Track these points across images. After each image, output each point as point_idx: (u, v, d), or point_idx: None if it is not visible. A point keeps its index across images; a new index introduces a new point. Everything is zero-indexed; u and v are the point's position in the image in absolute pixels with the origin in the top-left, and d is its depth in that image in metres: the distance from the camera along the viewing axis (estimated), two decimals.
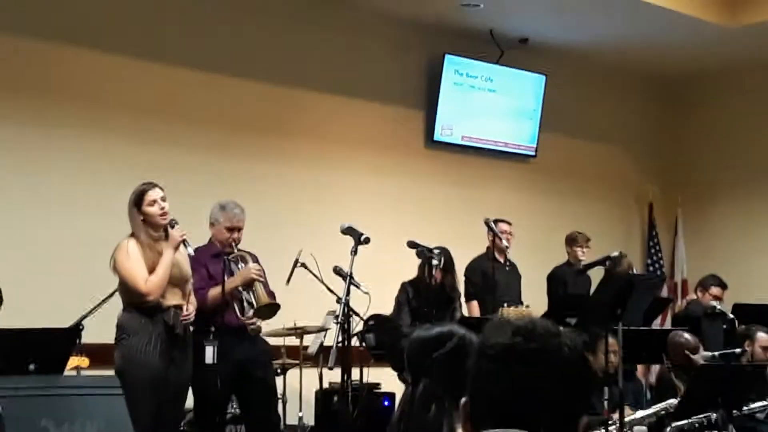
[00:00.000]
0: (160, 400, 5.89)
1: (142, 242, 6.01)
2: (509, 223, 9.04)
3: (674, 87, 12.39)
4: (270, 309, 6.74)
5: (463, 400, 1.88)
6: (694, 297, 9.71)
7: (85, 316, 6.35)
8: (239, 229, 6.84)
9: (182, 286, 6.17)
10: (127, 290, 6.00)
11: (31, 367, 5.19)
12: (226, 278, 6.61)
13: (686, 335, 7.47)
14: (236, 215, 6.84)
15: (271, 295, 6.80)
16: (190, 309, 6.17)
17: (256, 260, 6.96)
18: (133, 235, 6.05)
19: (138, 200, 6.06)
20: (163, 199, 6.10)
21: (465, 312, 8.52)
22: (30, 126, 7.96)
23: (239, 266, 6.83)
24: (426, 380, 3.07)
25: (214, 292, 6.62)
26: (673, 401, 6.64)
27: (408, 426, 3.02)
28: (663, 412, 6.64)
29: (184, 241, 6.13)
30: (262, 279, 6.69)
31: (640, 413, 6.78)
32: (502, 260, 8.99)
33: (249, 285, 6.69)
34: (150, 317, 5.98)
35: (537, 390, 1.79)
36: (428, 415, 3.00)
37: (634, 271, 8.99)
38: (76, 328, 6.20)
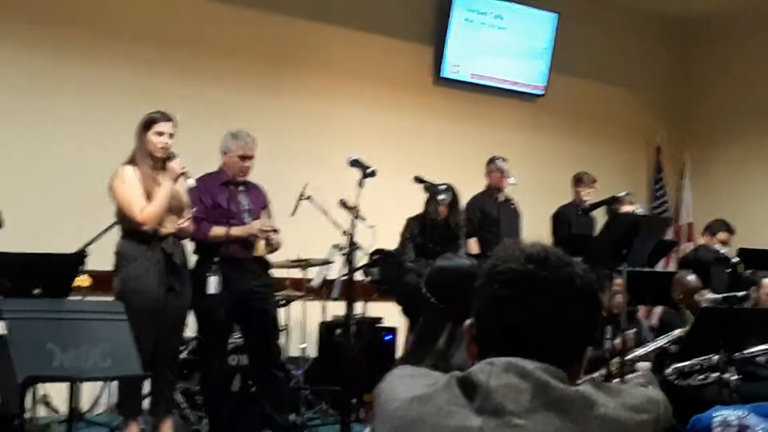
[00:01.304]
0: (158, 327, 5.92)
1: (141, 169, 6.01)
2: (506, 160, 8.97)
3: (686, 29, 12.30)
4: (258, 262, 6.74)
5: (468, 321, 1.88)
6: (702, 242, 9.71)
7: (90, 243, 6.36)
8: (251, 158, 6.83)
9: (180, 215, 6.18)
10: (124, 217, 6.01)
11: (36, 291, 5.20)
12: (232, 208, 6.61)
13: (691, 276, 7.48)
14: (248, 143, 6.83)
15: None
16: (182, 222, 6.16)
17: (263, 194, 6.94)
18: (131, 162, 6.04)
19: (147, 125, 6.05)
20: (171, 135, 6.09)
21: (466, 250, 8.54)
22: (41, 50, 7.94)
23: (248, 196, 6.82)
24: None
25: (219, 231, 6.61)
26: (678, 332, 6.66)
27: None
28: (667, 346, 6.66)
29: (183, 173, 6.11)
30: (263, 238, 6.67)
31: (643, 348, 6.81)
32: (501, 199, 8.97)
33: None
34: (148, 244, 5.99)
35: (546, 318, 1.79)
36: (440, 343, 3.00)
37: (639, 211, 8.96)
38: (81, 254, 6.21)
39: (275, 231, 6.69)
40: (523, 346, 1.76)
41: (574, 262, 1.86)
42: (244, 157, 6.80)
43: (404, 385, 1.84)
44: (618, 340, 6.56)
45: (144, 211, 5.94)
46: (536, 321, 1.79)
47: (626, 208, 8.69)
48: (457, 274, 3.17)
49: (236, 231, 6.59)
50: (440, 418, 1.74)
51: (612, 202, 8.19)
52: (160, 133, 6.05)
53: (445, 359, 2.97)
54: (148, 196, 5.97)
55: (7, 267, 5.27)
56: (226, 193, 6.66)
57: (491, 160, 8.78)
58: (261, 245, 6.66)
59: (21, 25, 7.88)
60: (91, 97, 8.10)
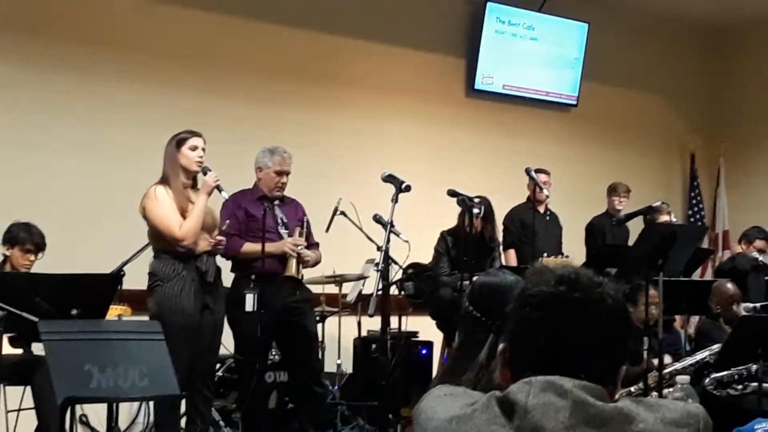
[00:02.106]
0: (195, 346, 5.94)
1: (174, 187, 6.03)
2: (548, 173, 8.98)
3: (718, 35, 12.23)
4: (290, 281, 6.74)
5: (501, 346, 1.89)
6: (739, 250, 9.63)
7: (126, 262, 6.39)
8: (287, 173, 6.86)
9: (212, 233, 6.20)
10: (160, 236, 6.01)
11: (74, 312, 5.23)
12: (268, 222, 6.63)
13: (729, 285, 7.42)
14: (285, 159, 6.86)
15: (299, 265, 6.79)
16: (218, 237, 6.19)
17: (300, 208, 6.97)
18: (161, 181, 6.05)
19: (180, 143, 6.08)
20: (204, 149, 6.12)
21: (503, 261, 8.51)
22: (75, 73, 7.99)
23: (284, 211, 6.84)
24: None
25: (250, 248, 6.63)
26: (717, 347, 6.61)
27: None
28: (706, 360, 6.61)
29: (218, 187, 6.13)
30: (294, 255, 6.68)
31: (682, 362, 6.77)
32: (541, 210, 8.96)
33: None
34: (184, 263, 6.00)
35: (579, 339, 1.79)
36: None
37: (675, 221, 8.91)
38: (118, 274, 6.24)
39: (304, 247, 6.71)
40: (558, 367, 1.76)
41: (604, 282, 1.86)
42: (281, 173, 6.83)
43: (443, 404, 1.84)
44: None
45: (182, 227, 5.96)
46: (570, 342, 1.79)
47: (663, 218, 8.65)
48: (500, 289, 3.17)
49: (268, 247, 6.60)
50: None
51: (648, 212, 8.14)
52: (194, 148, 6.08)
53: (486, 372, 2.96)
54: (182, 213, 5.99)
55: (45, 288, 5.29)
56: (261, 208, 6.67)
57: (527, 172, 8.75)
58: (292, 265, 6.66)
59: (57, 48, 7.94)
60: (123, 118, 8.14)
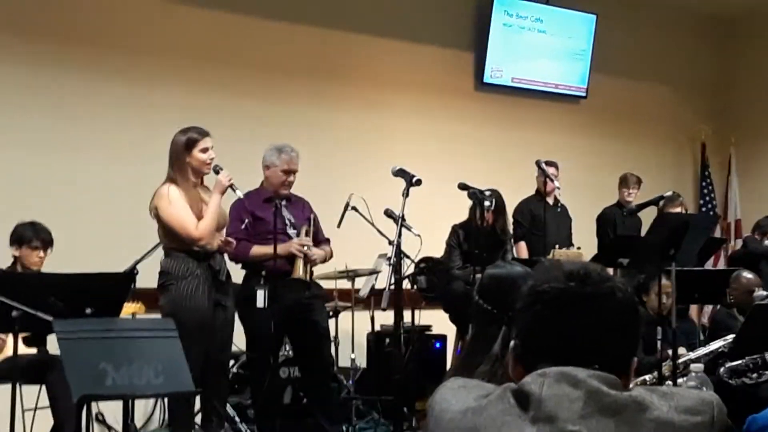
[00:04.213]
0: (209, 343, 5.96)
1: (184, 187, 6.02)
2: (557, 165, 8.97)
3: (727, 25, 12.21)
4: (298, 283, 6.73)
5: (512, 343, 1.90)
6: (750, 235, 9.59)
7: (139, 261, 6.41)
8: (294, 172, 6.85)
9: (222, 232, 6.22)
10: (173, 236, 6.00)
11: (88, 310, 5.24)
12: (277, 223, 6.63)
13: (748, 274, 7.40)
14: (292, 157, 6.85)
15: (310, 262, 6.79)
16: (227, 238, 6.21)
17: (307, 206, 6.97)
18: (170, 180, 6.03)
19: (191, 144, 6.07)
20: (212, 148, 6.12)
21: (515, 254, 8.51)
22: (78, 72, 8.02)
23: (291, 210, 6.85)
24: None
25: (260, 251, 6.65)
26: (731, 337, 6.60)
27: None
28: (721, 350, 6.60)
29: (231, 186, 6.13)
30: (301, 255, 6.68)
31: (696, 352, 6.76)
32: (551, 202, 8.96)
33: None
34: (197, 261, 6.01)
35: (591, 333, 1.81)
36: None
37: (687, 211, 8.90)
38: (132, 273, 6.25)
39: (309, 247, 6.70)
40: (570, 360, 1.77)
41: (613, 277, 1.88)
42: (288, 172, 6.83)
43: (458, 396, 1.85)
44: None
45: (199, 227, 5.96)
46: (582, 337, 1.81)
47: (675, 209, 8.63)
48: (509, 281, 3.18)
49: (270, 249, 6.59)
50: (495, 429, 1.75)
51: (658, 203, 8.13)
52: (205, 150, 6.06)
53: (501, 364, 2.97)
54: (194, 213, 6.00)
55: (59, 288, 5.30)
56: (269, 208, 6.66)
57: (537, 164, 8.75)
58: (299, 266, 6.65)
59: (60, 48, 7.96)
60: (131, 117, 8.16)
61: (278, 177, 6.83)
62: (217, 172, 6.12)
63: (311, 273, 6.84)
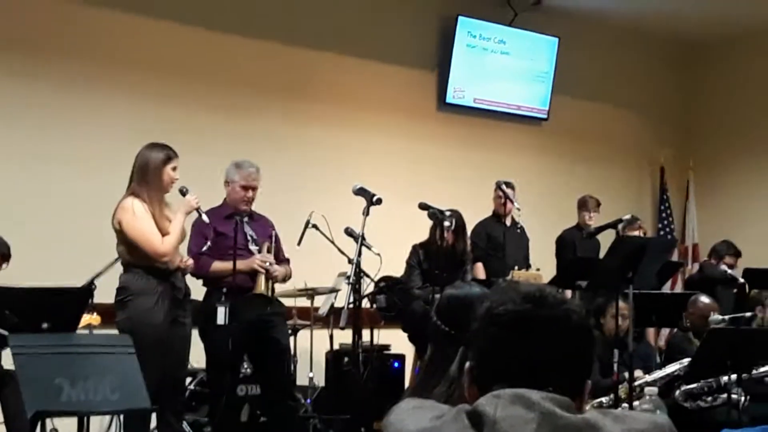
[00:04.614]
0: (165, 360, 5.92)
1: (151, 201, 5.98)
2: (513, 187, 8.98)
3: (688, 50, 12.33)
4: (260, 298, 6.72)
5: (468, 364, 1.91)
6: (707, 260, 9.68)
7: (97, 276, 6.37)
8: (254, 188, 6.84)
9: (179, 249, 6.21)
10: (135, 251, 5.96)
11: (45, 325, 5.21)
12: (238, 239, 6.61)
13: (705, 299, 7.46)
14: (251, 173, 6.84)
15: (271, 277, 6.77)
16: (186, 260, 6.18)
17: (269, 224, 6.96)
18: (134, 194, 5.99)
19: (167, 161, 6.05)
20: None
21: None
22: (44, 83, 7.97)
23: (253, 227, 6.84)
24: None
25: (221, 266, 6.62)
26: (686, 360, 6.65)
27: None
28: (677, 373, 6.65)
29: (198, 209, 6.14)
30: (262, 271, 6.66)
31: (652, 375, 6.80)
32: (509, 223, 8.99)
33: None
34: (157, 278, 5.98)
35: (546, 355, 1.82)
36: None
37: (646, 234, 8.96)
38: (89, 288, 6.21)
39: (271, 263, 6.68)
40: (525, 382, 1.78)
41: (569, 300, 1.91)
42: (247, 188, 6.81)
43: (412, 417, 1.86)
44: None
45: (164, 243, 5.94)
46: (537, 358, 1.82)
47: (634, 232, 8.69)
48: (467, 301, 3.19)
49: (238, 265, 6.58)
50: None
51: (616, 225, 8.18)
52: (175, 168, 6.06)
53: (458, 385, 2.97)
54: (159, 228, 5.97)
55: (15, 302, 5.28)
56: (231, 225, 6.65)
57: (496, 185, 8.80)
58: (261, 282, 6.65)
59: (30, 59, 7.92)
60: (95, 129, 8.12)
61: (237, 193, 6.82)
62: (183, 194, 6.12)
63: (273, 290, 6.83)
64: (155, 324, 5.88)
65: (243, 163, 6.88)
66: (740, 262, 9.47)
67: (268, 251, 6.80)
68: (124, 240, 5.99)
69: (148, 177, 6.01)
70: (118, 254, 6.10)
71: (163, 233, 5.97)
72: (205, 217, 6.22)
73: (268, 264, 6.67)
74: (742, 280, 8.79)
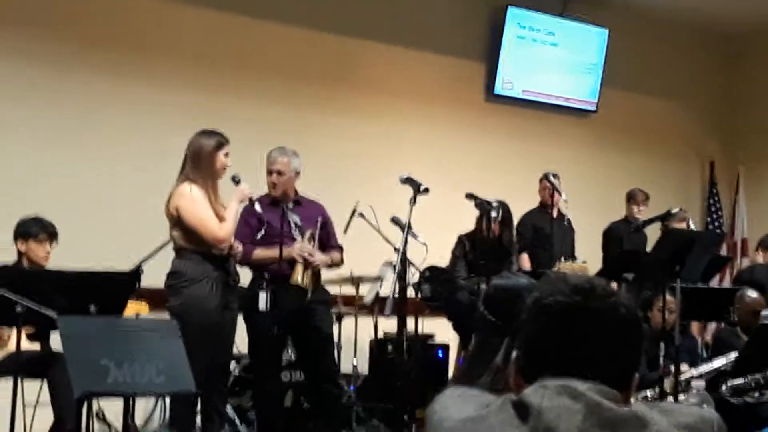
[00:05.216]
0: (215, 345, 5.96)
1: (207, 187, 6.01)
2: (558, 178, 8.91)
3: (739, 42, 12.20)
4: (296, 289, 6.68)
5: (515, 354, 1.90)
6: (758, 258, 9.54)
7: (145, 260, 6.41)
8: (277, 173, 6.75)
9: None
10: (192, 236, 5.97)
11: (92, 308, 5.25)
12: (284, 227, 6.61)
13: (753, 293, 7.39)
14: (273, 157, 6.79)
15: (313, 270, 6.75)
16: (237, 245, 6.21)
17: (319, 210, 6.92)
18: (189, 180, 6.00)
19: (220, 146, 6.08)
20: None
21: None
22: (95, 74, 8.03)
23: (299, 213, 6.80)
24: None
25: (263, 254, 6.62)
26: (733, 355, 6.60)
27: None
28: (723, 368, 6.60)
29: (251, 199, 6.18)
30: (301, 261, 6.63)
31: (699, 368, 6.76)
32: (555, 214, 8.95)
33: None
34: (213, 264, 6.00)
35: (594, 347, 1.81)
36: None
37: (693, 227, 8.87)
38: (137, 272, 6.26)
39: (310, 254, 6.63)
40: (572, 374, 1.77)
41: (617, 292, 1.89)
42: (270, 172, 6.78)
43: (457, 406, 1.86)
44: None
45: (223, 228, 5.97)
46: (584, 351, 1.81)
47: (679, 225, 8.62)
48: (514, 292, 3.18)
49: (273, 252, 6.57)
50: None
51: (665, 218, 8.12)
52: (227, 155, 6.09)
53: (502, 375, 2.97)
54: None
55: (63, 285, 5.33)
56: (274, 212, 6.64)
57: (543, 176, 8.75)
58: (298, 272, 6.58)
59: (76, 47, 7.99)
60: (140, 118, 8.18)
61: (267, 178, 6.81)
62: (237, 182, 6.15)
63: (317, 277, 6.80)
64: (209, 310, 5.91)
65: (274, 149, 6.87)
66: None
67: (312, 239, 6.75)
68: (182, 225, 5.99)
69: (201, 163, 6.03)
70: (172, 239, 6.11)
71: (219, 219, 5.99)
72: (258, 207, 6.25)
73: (306, 253, 6.62)
74: None
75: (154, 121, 8.19)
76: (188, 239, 6.00)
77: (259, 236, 6.59)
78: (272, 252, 6.55)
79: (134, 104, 8.17)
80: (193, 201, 5.94)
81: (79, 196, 7.77)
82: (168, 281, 6.03)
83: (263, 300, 6.47)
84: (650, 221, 8.45)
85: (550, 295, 1.85)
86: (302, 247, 6.64)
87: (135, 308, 6.35)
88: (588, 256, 8.69)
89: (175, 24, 8.46)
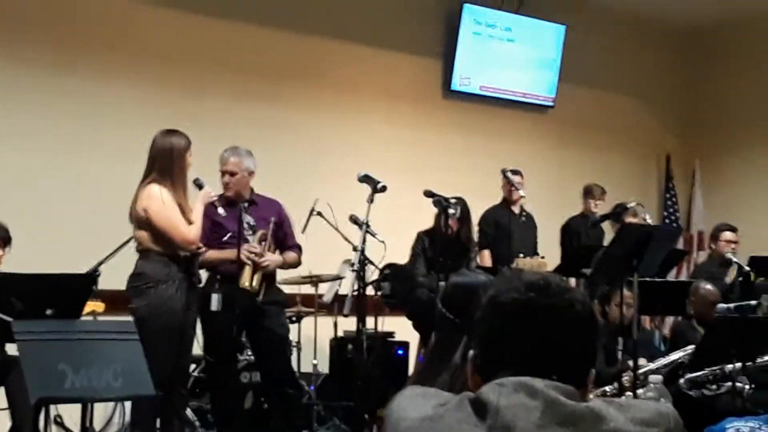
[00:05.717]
0: (179, 346, 5.93)
1: (177, 188, 5.95)
2: (521, 174, 8.96)
3: (695, 37, 12.29)
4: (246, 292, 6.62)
5: (471, 352, 1.90)
6: (713, 249, 9.55)
7: (102, 262, 6.35)
8: (229, 173, 6.70)
9: None
10: (161, 238, 5.92)
11: (49, 311, 5.20)
12: (232, 229, 6.56)
13: (707, 285, 7.45)
14: (222, 157, 6.76)
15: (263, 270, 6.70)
16: (202, 247, 6.17)
17: (275, 210, 6.87)
18: (157, 182, 5.92)
19: (188, 147, 6.04)
20: None
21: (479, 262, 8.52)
22: (52, 70, 7.96)
23: (252, 214, 6.75)
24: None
25: (213, 255, 6.53)
26: (691, 348, 6.64)
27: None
28: (681, 361, 6.64)
29: (213, 203, 6.15)
30: (249, 263, 6.52)
31: (656, 362, 6.79)
32: (516, 211, 8.98)
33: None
34: (179, 265, 5.96)
35: (550, 344, 1.81)
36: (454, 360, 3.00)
37: (649, 221, 8.90)
38: (94, 274, 6.20)
39: (258, 255, 6.55)
40: (529, 371, 1.77)
41: (573, 288, 1.89)
42: (222, 173, 6.75)
43: (415, 404, 1.85)
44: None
45: (192, 231, 5.94)
46: (540, 347, 1.81)
47: (634, 219, 8.65)
48: (472, 290, 3.17)
49: (227, 254, 6.52)
50: None
51: (621, 213, 8.16)
52: (191, 155, 6.05)
53: (461, 373, 2.96)
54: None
55: (19, 288, 5.27)
56: (231, 212, 6.58)
57: (501, 172, 8.76)
58: (245, 274, 6.48)
59: (49, 48, 7.92)
60: (103, 116, 8.11)
61: (221, 179, 6.77)
62: (200, 187, 6.12)
63: (269, 278, 6.74)
64: (176, 311, 5.87)
65: (225, 150, 6.82)
66: (746, 251, 9.40)
67: (263, 240, 6.68)
68: (150, 227, 5.93)
69: (172, 163, 5.97)
70: (137, 240, 6.03)
71: (186, 221, 5.95)
72: (221, 210, 6.22)
73: (254, 255, 6.55)
74: (747, 268, 8.72)
75: (119, 119, 8.12)
76: (156, 241, 5.94)
77: (225, 238, 6.55)
78: (224, 254, 6.51)
79: (97, 101, 8.10)
80: (164, 204, 5.88)
81: (32, 198, 7.69)
82: (131, 282, 5.96)
83: (215, 300, 6.42)
84: (606, 216, 8.49)
85: (506, 292, 1.85)
86: (249, 248, 6.57)
87: (92, 307, 6.27)
88: (546, 251, 8.72)
89: (142, 23, 8.40)
